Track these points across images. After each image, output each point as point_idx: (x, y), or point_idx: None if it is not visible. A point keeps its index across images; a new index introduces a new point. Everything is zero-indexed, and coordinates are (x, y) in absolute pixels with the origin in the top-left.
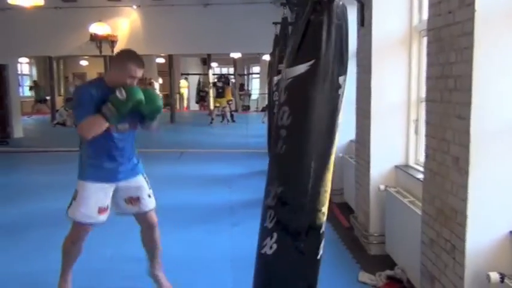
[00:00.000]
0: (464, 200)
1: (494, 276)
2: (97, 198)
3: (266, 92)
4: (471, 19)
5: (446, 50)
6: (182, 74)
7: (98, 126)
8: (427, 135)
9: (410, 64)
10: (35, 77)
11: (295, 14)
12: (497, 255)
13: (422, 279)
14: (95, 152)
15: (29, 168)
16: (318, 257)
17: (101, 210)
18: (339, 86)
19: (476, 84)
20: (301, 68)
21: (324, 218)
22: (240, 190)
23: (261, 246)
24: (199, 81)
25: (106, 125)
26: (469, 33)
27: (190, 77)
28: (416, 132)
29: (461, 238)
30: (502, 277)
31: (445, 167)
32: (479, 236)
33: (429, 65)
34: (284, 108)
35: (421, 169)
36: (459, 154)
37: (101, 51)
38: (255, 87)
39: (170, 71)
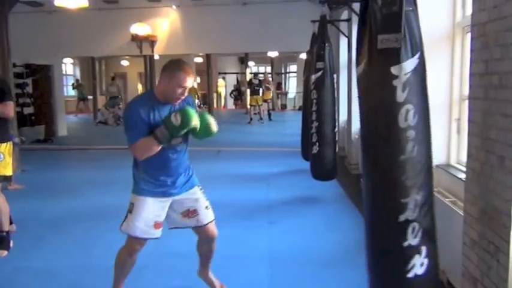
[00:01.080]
0: (509, 200)
1: None
2: (153, 213)
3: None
4: None
5: (491, 46)
6: (220, 73)
7: (150, 149)
8: (469, 134)
9: (453, 61)
10: (78, 77)
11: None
12: None
13: (463, 281)
14: (150, 167)
15: (72, 166)
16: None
17: (156, 225)
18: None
19: None
20: (414, 62)
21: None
22: (277, 188)
23: (403, 270)
24: (237, 79)
25: (159, 147)
26: None
27: (228, 76)
28: (458, 131)
29: (505, 239)
30: None
31: (489, 167)
32: None
33: (473, 61)
34: (407, 107)
35: (463, 169)
36: (504, 153)
37: (141, 51)
38: (292, 85)
39: (208, 70)
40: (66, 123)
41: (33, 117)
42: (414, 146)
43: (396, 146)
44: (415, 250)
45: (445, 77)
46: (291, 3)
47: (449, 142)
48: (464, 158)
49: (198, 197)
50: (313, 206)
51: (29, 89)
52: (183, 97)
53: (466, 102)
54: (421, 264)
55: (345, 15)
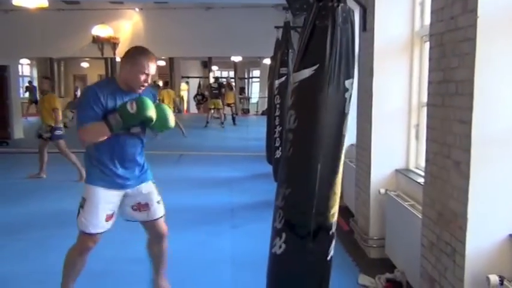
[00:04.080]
0: (464, 203)
1: (494, 278)
2: (105, 204)
3: (266, 95)
4: (473, 25)
5: (448, 55)
6: (183, 77)
7: (99, 134)
8: (428, 140)
9: (412, 69)
10: (35, 78)
11: (304, 19)
12: (497, 258)
13: (422, 281)
14: (103, 156)
15: (29, 169)
16: (329, 257)
17: (108, 217)
18: (345, 90)
19: (478, 89)
20: (306, 73)
21: (334, 220)
22: (240, 192)
23: (271, 245)
24: (199, 84)
25: (108, 134)
26: (471, 39)
27: (190, 80)
28: (417, 137)
29: (462, 241)
30: (502, 280)
31: (446, 171)
32: (480, 239)
33: (431, 70)
34: (291, 112)
35: (422, 173)
36: (460, 158)
37: (102, 54)
38: (255, 90)
39: (171, 74)
40: (22, 125)
41: None
42: (290, 148)
43: (283, 144)
44: (278, 232)
45: (404, 84)
46: (255, 8)
47: (408, 147)
48: (422, 162)
49: (151, 191)
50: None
51: None
52: (146, 84)
53: (425, 109)
54: (280, 247)
55: None
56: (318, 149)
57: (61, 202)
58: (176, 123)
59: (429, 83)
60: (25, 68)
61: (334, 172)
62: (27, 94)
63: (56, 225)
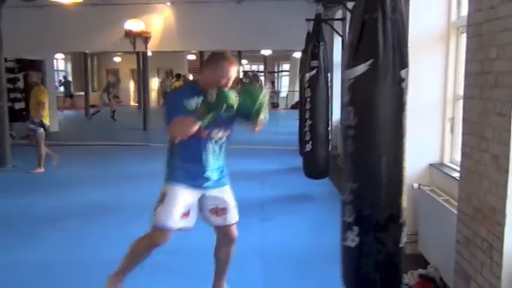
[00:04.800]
0: (503, 198)
1: None
2: (182, 203)
3: (296, 89)
4: None
5: (487, 46)
6: None
7: (186, 126)
8: (464, 133)
9: (447, 61)
10: (69, 73)
11: (351, 14)
12: None
13: (456, 278)
14: (187, 156)
15: (63, 161)
16: (400, 245)
17: (183, 216)
18: (401, 80)
19: None
20: (361, 68)
21: (402, 208)
22: (271, 186)
23: (343, 238)
24: None
25: (194, 125)
26: (511, 29)
27: None
28: (452, 130)
29: (499, 237)
30: None
31: (483, 165)
32: None
33: (468, 61)
34: (349, 108)
35: (457, 168)
36: (499, 152)
37: (134, 48)
38: (285, 84)
39: (201, 68)
40: (57, 118)
41: (24, 113)
42: (352, 144)
43: (343, 140)
44: (348, 226)
45: (439, 76)
46: (286, 1)
47: (443, 141)
48: (457, 157)
49: (229, 196)
50: (306, 204)
51: (20, 84)
52: (227, 87)
53: (460, 102)
54: (352, 240)
55: (339, 14)
56: (381, 142)
57: (93, 194)
58: None
59: (466, 74)
60: (60, 63)
61: (399, 162)
62: (62, 88)
63: (88, 216)
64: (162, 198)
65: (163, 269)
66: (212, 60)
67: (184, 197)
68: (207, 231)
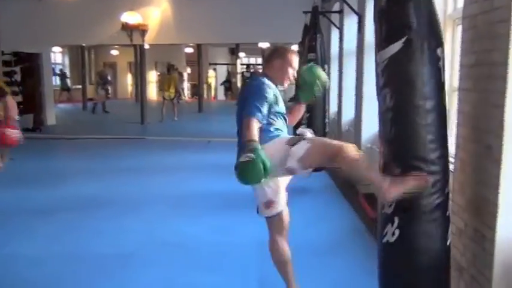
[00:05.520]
0: (495, 189)
1: None
2: (284, 182)
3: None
4: (508, 5)
5: (482, 37)
6: (210, 64)
7: (248, 137)
8: (458, 125)
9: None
10: (67, 66)
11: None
12: None
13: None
14: (280, 134)
15: (61, 155)
16: (448, 243)
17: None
18: (438, 58)
19: None
20: (396, 47)
21: (448, 199)
22: None
23: (381, 236)
24: (227, 71)
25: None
26: (506, 20)
27: (218, 67)
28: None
29: (492, 227)
30: None
31: (477, 156)
32: (510, 225)
33: (463, 53)
34: (385, 91)
35: (451, 159)
36: (492, 143)
37: (131, 40)
38: None
39: (199, 61)
40: (54, 112)
41: (21, 106)
42: (391, 128)
43: (383, 125)
44: (389, 218)
45: None
46: None
47: None
48: (452, 148)
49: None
50: (303, 196)
51: (17, 77)
52: (292, 78)
53: (455, 94)
54: (393, 234)
55: (336, 6)
56: (421, 123)
57: (89, 187)
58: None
59: (461, 66)
60: (57, 56)
61: (443, 146)
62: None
63: (85, 208)
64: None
65: (161, 262)
66: (277, 53)
67: (280, 180)
68: (195, 222)
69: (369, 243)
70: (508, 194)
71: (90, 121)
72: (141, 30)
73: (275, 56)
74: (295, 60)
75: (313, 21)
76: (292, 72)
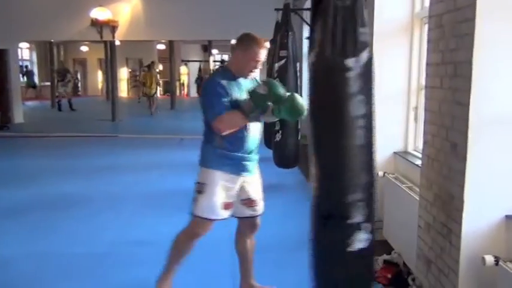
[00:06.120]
0: (461, 185)
1: (489, 259)
2: (224, 190)
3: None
4: (472, 5)
5: (447, 36)
6: (182, 61)
7: (236, 123)
8: (425, 122)
9: (411, 52)
10: (35, 63)
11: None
12: (492, 238)
13: (418, 262)
14: (229, 141)
15: (29, 153)
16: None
17: (225, 205)
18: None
19: (476, 71)
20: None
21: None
22: None
23: (347, 243)
24: (199, 68)
25: (244, 121)
26: (471, 20)
27: (190, 64)
28: (416, 119)
29: (458, 222)
30: (497, 260)
31: (443, 153)
32: (475, 220)
33: (430, 51)
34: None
35: (420, 155)
36: (457, 140)
37: (101, 37)
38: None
39: (171, 58)
40: (22, 110)
41: None
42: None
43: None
44: (356, 227)
45: (403, 66)
46: None
47: (407, 130)
48: (421, 145)
49: (258, 185)
50: (275, 193)
51: None
52: (256, 70)
53: (423, 92)
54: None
55: (308, 4)
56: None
57: (60, 186)
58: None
59: (427, 64)
60: (24, 52)
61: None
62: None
63: (54, 207)
64: (201, 189)
65: (135, 261)
66: (242, 43)
67: (225, 185)
68: (168, 220)
69: None
70: (473, 189)
71: (60, 119)
72: (112, 26)
73: (238, 46)
74: (261, 52)
75: (285, 18)
76: (254, 65)
